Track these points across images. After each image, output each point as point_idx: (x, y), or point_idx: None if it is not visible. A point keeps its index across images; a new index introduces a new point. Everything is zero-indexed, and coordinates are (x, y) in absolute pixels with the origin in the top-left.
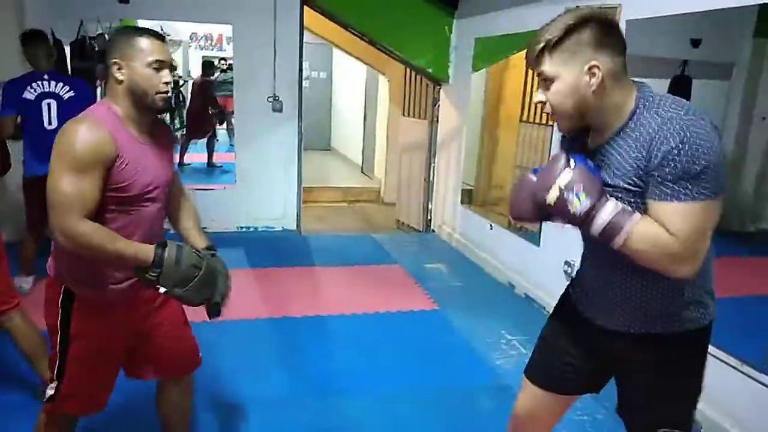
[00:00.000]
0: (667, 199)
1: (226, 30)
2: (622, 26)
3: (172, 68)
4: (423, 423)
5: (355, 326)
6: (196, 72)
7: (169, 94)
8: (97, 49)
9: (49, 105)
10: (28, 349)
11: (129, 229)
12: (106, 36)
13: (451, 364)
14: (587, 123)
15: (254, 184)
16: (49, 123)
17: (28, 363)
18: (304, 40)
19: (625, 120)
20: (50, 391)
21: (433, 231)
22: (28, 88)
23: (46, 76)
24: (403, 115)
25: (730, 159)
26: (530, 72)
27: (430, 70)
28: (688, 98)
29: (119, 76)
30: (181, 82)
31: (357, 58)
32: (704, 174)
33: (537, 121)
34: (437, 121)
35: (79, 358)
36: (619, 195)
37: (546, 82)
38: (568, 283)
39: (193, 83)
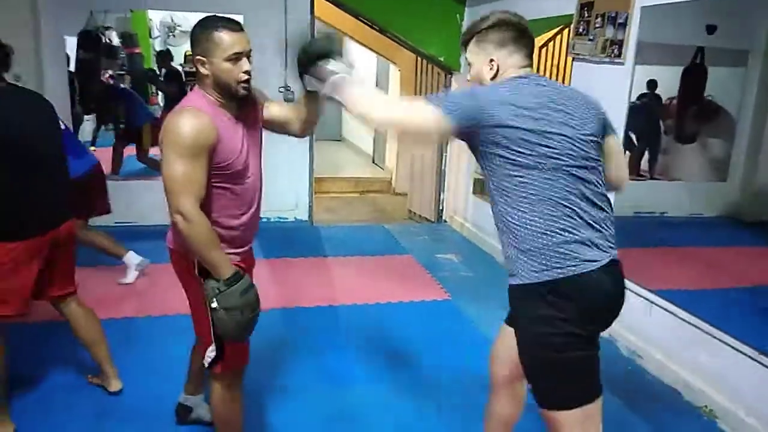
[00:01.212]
0: None
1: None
2: (637, 13)
3: (188, 57)
4: (435, 411)
5: (367, 316)
6: None
7: (249, 83)
8: (104, 41)
9: None
10: (86, 335)
11: (242, 201)
12: (114, 33)
13: (463, 353)
14: None
15: (266, 174)
16: None
17: (87, 349)
18: (315, 30)
19: None
20: (212, 354)
21: (445, 221)
22: None
23: None
24: None
25: (746, 148)
26: (542, 59)
27: (441, 59)
28: (701, 91)
29: (204, 70)
30: None
31: (367, 47)
32: (453, 95)
33: None
34: None
35: None
36: None
37: (469, 65)
38: None
39: None
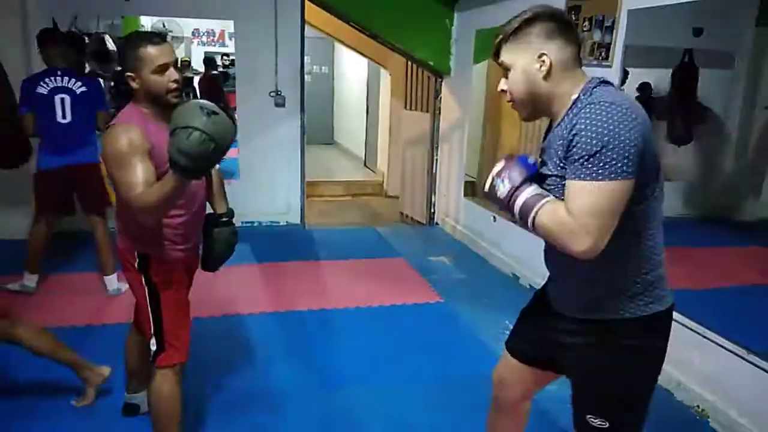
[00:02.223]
0: (571, 177)
1: (228, 26)
2: (624, 16)
3: (184, 63)
4: (428, 413)
5: (360, 319)
6: (199, 68)
7: (180, 90)
8: (91, 47)
9: (62, 99)
10: (44, 349)
11: (186, 204)
12: (107, 37)
13: (456, 355)
14: (541, 112)
15: (257, 179)
16: (63, 117)
17: (52, 360)
18: (306, 35)
19: (567, 109)
20: (153, 347)
21: (437, 223)
22: (41, 83)
23: (59, 72)
24: (405, 108)
25: (734, 149)
26: None
27: (431, 63)
28: (694, 89)
29: (135, 85)
30: (195, 79)
31: (358, 51)
32: (602, 155)
33: None
34: (439, 113)
35: (170, 305)
36: (558, 182)
37: (505, 71)
38: None
39: (199, 79)
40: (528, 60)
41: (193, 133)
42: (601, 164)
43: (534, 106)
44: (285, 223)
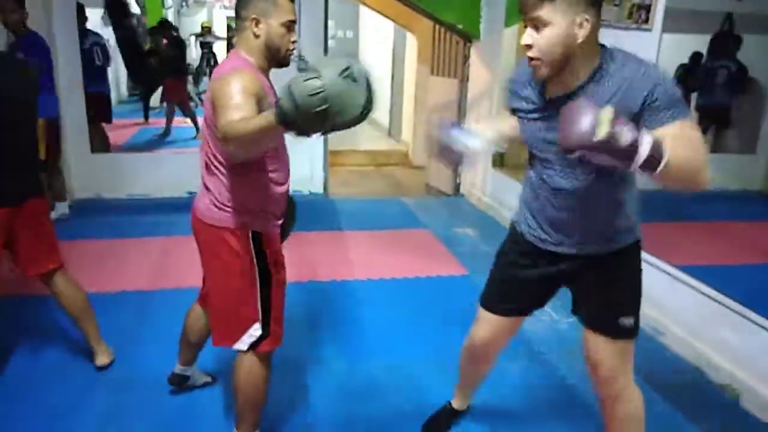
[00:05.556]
0: (667, 122)
1: None
2: None
3: (206, 29)
4: (450, 388)
5: (383, 291)
6: (221, 32)
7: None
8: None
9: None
10: (74, 311)
11: (284, 174)
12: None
13: None
14: (558, 74)
15: None
16: None
17: (75, 325)
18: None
19: (591, 71)
20: (256, 332)
21: (463, 195)
22: None
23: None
24: (432, 74)
25: None
26: None
27: (460, 27)
28: (734, 56)
29: (257, 31)
30: (214, 44)
31: (384, 15)
32: (681, 100)
33: None
34: (467, 79)
35: (279, 288)
36: None
37: (537, 27)
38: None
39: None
40: (569, 22)
41: (313, 80)
42: (685, 107)
43: (560, 68)
44: (308, 192)
